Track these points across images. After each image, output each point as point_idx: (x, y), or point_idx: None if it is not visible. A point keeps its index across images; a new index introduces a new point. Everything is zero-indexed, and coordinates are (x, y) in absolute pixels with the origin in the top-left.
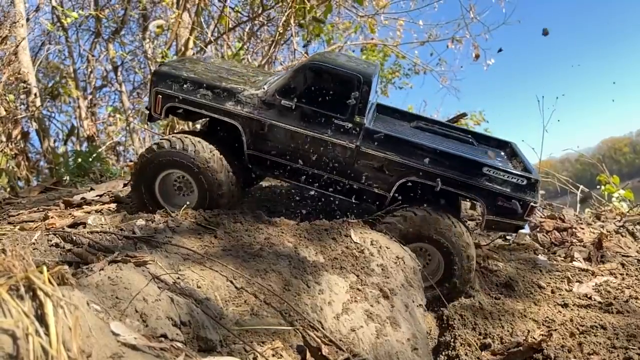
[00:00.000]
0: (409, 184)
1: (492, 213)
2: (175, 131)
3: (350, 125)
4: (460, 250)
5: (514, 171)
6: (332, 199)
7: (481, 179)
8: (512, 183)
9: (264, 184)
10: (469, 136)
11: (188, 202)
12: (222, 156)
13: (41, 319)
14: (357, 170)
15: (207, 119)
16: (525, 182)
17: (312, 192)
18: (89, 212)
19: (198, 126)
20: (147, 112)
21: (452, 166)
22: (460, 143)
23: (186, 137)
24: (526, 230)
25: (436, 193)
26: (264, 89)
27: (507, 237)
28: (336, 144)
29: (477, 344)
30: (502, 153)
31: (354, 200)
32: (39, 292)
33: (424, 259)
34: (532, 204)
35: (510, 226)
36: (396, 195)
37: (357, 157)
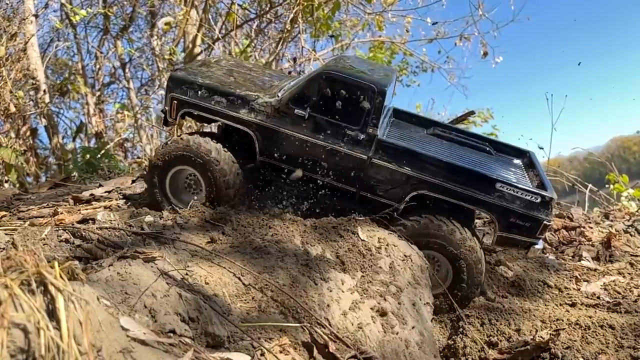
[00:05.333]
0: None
1: (504, 229)
2: (183, 129)
3: (363, 136)
4: (467, 256)
5: (528, 188)
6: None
7: (494, 195)
8: (525, 200)
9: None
10: (487, 144)
11: (195, 199)
12: (232, 157)
13: (52, 313)
14: (369, 181)
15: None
16: (539, 200)
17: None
18: (97, 208)
19: (207, 127)
20: (163, 115)
21: (465, 181)
22: (477, 152)
23: (198, 136)
24: (539, 246)
25: (449, 205)
26: (278, 96)
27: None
28: (348, 155)
29: (484, 342)
30: (520, 163)
31: (365, 211)
32: (50, 287)
33: (433, 267)
34: (545, 222)
35: (522, 243)
36: (408, 206)
37: (369, 169)
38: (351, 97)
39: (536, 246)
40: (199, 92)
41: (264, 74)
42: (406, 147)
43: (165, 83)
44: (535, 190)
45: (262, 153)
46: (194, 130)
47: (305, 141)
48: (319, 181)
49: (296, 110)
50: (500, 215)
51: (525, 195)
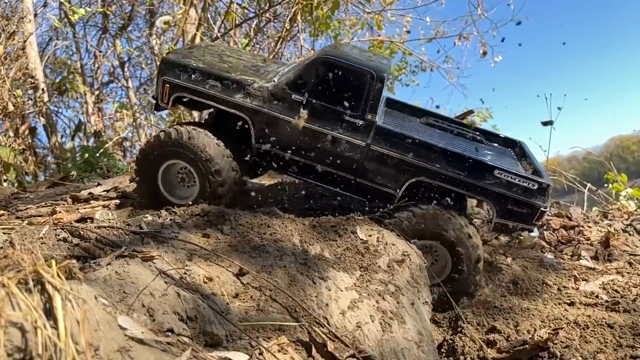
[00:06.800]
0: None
1: (501, 216)
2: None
3: (361, 122)
4: (470, 251)
5: (525, 175)
6: (339, 195)
7: (492, 182)
8: (522, 187)
9: (268, 180)
10: (478, 134)
11: (189, 196)
12: (224, 147)
13: (49, 312)
14: (367, 168)
15: (215, 108)
16: (536, 187)
17: (320, 189)
18: (96, 207)
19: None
20: (154, 101)
21: (464, 168)
22: (470, 141)
23: (188, 128)
24: (535, 233)
25: (444, 192)
26: (274, 81)
27: (513, 235)
28: (346, 141)
29: (483, 341)
30: (512, 152)
31: (362, 198)
32: (48, 286)
33: (431, 257)
34: (541, 208)
35: (518, 229)
36: (405, 194)
37: (367, 155)
38: (349, 83)
39: (532, 233)
40: (193, 76)
41: (257, 60)
42: (405, 133)
43: (157, 66)
44: (532, 177)
45: (258, 139)
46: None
47: (303, 127)
48: (316, 168)
49: (293, 96)
50: (497, 202)
51: (522, 182)
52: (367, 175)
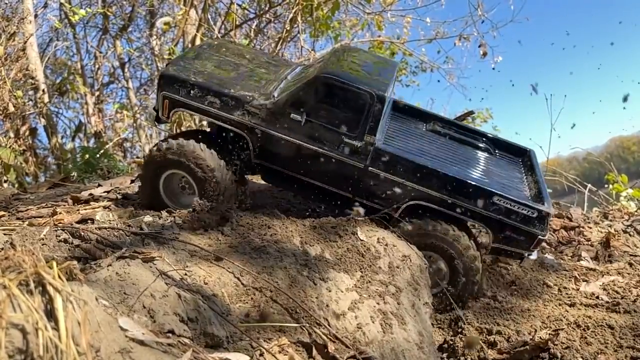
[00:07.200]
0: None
1: (498, 241)
2: (182, 128)
3: (360, 144)
4: (463, 256)
5: (525, 202)
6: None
7: (491, 208)
8: (521, 214)
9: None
10: (487, 141)
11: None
12: (222, 159)
13: (50, 313)
14: (365, 189)
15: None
16: (535, 214)
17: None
18: (96, 209)
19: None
20: (155, 112)
21: (463, 193)
22: (476, 152)
23: (189, 139)
24: (533, 257)
25: (443, 215)
26: (273, 96)
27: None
28: (345, 163)
29: (483, 342)
30: (520, 164)
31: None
32: (49, 287)
33: (431, 268)
34: (539, 236)
35: (516, 254)
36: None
37: (365, 177)
38: (349, 103)
39: (531, 257)
40: (192, 92)
41: (260, 64)
42: (404, 157)
43: (157, 80)
44: (532, 205)
45: (257, 156)
46: (187, 129)
47: (301, 147)
48: (315, 185)
49: (292, 115)
50: (495, 228)
51: (522, 209)
52: (365, 195)
